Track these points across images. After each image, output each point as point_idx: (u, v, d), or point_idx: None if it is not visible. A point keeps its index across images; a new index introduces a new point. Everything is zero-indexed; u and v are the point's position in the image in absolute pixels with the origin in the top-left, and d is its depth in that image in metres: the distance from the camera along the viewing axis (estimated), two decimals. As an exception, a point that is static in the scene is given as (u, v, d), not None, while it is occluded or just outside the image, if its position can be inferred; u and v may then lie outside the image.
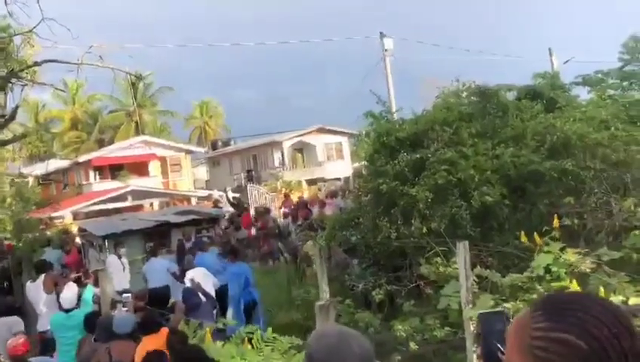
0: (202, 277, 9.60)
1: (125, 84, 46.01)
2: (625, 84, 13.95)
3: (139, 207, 26.60)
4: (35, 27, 9.24)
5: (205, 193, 30.53)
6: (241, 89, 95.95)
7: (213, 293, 9.52)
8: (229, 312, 9.10)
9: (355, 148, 46.46)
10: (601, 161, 7.85)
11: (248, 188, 27.28)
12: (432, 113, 8.50)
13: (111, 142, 42.66)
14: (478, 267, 6.63)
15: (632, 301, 5.31)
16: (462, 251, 6.28)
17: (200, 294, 8.05)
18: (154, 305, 7.09)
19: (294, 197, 25.77)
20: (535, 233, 6.12)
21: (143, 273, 11.21)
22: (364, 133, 8.84)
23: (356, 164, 40.88)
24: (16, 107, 10.32)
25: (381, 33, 23.99)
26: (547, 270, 6.28)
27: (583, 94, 13.39)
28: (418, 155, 7.86)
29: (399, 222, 7.77)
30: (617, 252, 6.29)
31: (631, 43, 14.63)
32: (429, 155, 7.91)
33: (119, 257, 11.13)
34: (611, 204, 7.42)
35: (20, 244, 12.10)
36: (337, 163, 38.37)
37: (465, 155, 7.76)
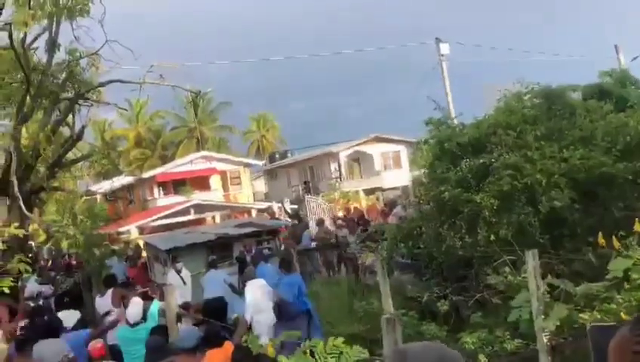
0: (259, 289, 9.65)
1: (186, 101, 47.62)
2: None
3: (201, 221, 27.14)
4: (99, 49, 9.65)
5: (264, 205, 30.83)
6: (296, 101, 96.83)
7: (270, 305, 9.56)
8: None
9: (412, 157, 46.02)
10: (680, 161, 7.37)
11: (306, 199, 27.31)
12: (495, 117, 8.23)
13: (173, 158, 43.94)
14: (549, 276, 6.33)
15: None
16: (531, 260, 6.01)
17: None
18: (209, 317, 7.17)
19: (352, 208, 25.66)
20: (613, 236, 5.77)
21: (202, 285, 11.36)
22: (423, 140, 8.64)
23: (415, 173, 40.38)
24: (83, 127, 10.74)
25: (437, 38, 23.68)
26: (625, 277, 5.93)
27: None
28: (481, 161, 7.60)
29: (463, 231, 7.53)
30: None
31: None
32: (493, 160, 7.64)
33: (178, 271, 11.31)
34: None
35: (90, 260, 12.54)
36: (395, 172, 37.97)
37: (530, 159, 7.45)
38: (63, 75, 10.20)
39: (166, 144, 50.92)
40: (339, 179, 35.85)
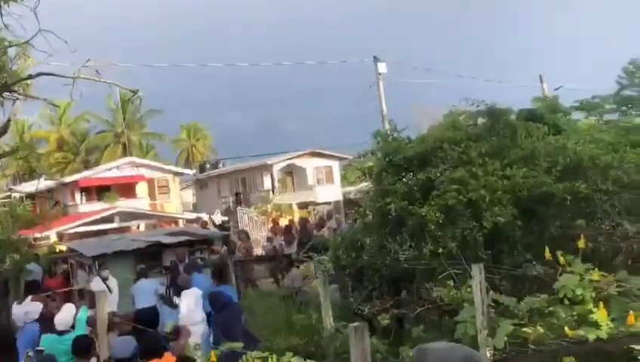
0: (194, 299, 9.29)
1: (114, 105, 45.95)
2: (623, 108, 14.01)
3: (126, 229, 26.02)
4: (31, 39, 8.99)
5: (193, 216, 30.04)
6: (231, 112, 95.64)
7: (203, 316, 9.23)
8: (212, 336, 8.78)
9: (344, 173, 46.41)
10: (612, 184, 7.69)
11: (238, 211, 26.88)
12: (440, 132, 8.31)
13: (97, 163, 42.16)
14: (492, 291, 6.38)
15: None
16: (477, 274, 6.02)
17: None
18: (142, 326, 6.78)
19: (285, 221, 25.44)
20: (559, 253, 5.88)
21: (132, 294, 10.86)
22: (370, 152, 8.61)
23: (346, 188, 40.77)
24: (8, 120, 9.96)
25: (375, 57, 24.05)
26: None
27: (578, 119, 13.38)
28: (427, 175, 7.63)
29: (408, 244, 7.51)
30: (637, 277, 6.08)
31: (630, 68, 14.71)
32: (438, 175, 7.69)
33: (104, 279, 10.75)
34: (625, 226, 7.24)
35: (9, 264, 11.60)
36: (327, 187, 38.16)
37: (475, 175, 7.56)
38: (-13, 64, 9.43)
39: (90, 148, 48.79)
40: (272, 192, 35.55)
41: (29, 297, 7.78)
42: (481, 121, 9.11)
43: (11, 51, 9.64)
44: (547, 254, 5.88)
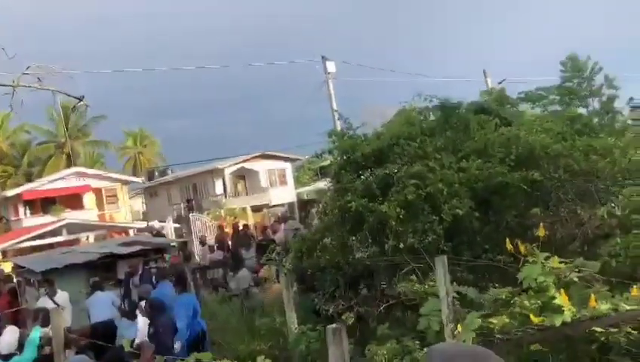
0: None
1: (55, 114, 44.32)
2: (565, 99, 14.50)
3: (74, 242, 25.14)
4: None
5: (144, 224, 29.32)
6: (177, 118, 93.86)
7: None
8: (177, 344, 8.54)
9: (297, 174, 46.34)
10: (563, 171, 7.89)
11: (190, 217, 26.37)
12: (395, 128, 8.34)
13: (40, 175, 40.58)
14: (455, 283, 6.42)
15: (622, 308, 5.21)
16: (440, 266, 6.04)
17: None
18: (99, 341, 6.53)
19: (240, 225, 25.12)
20: (520, 242, 5.97)
21: (86, 308, 10.49)
22: (327, 151, 8.55)
23: (300, 189, 40.71)
24: None
25: (323, 57, 24.07)
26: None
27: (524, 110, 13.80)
28: (385, 171, 7.63)
29: (370, 241, 7.49)
30: (594, 261, 6.24)
31: (569, 62, 15.23)
32: (396, 171, 7.70)
33: (53, 295, 10.33)
34: (579, 213, 7.44)
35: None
36: (281, 189, 38.01)
37: (432, 169, 7.60)
38: None
39: (32, 160, 46.93)
40: (224, 197, 35.09)
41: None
42: (433, 116, 9.20)
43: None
44: (509, 246, 5.94)
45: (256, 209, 33.44)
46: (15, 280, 13.27)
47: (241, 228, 18.78)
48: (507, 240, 6.05)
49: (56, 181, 31.40)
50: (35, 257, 13.75)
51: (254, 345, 8.74)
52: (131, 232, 28.63)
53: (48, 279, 10.62)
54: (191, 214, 27.03)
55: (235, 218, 27.71)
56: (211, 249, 15.96)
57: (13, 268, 14.32)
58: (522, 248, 5.95)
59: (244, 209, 30.65)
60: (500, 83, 26.91)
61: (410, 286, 6.81)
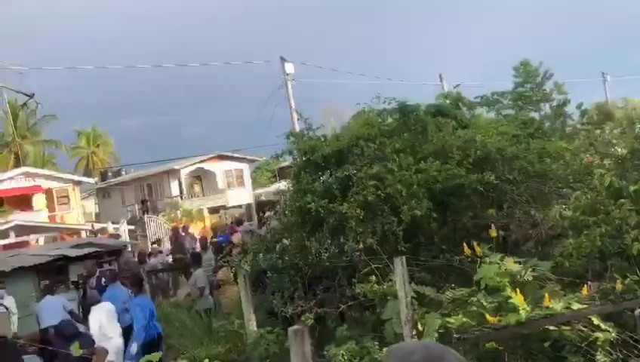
0: (105, 314, 8.82)
1: (2, 112, 42.81)
2: (519, 103, 14.89)
3: (23, 244, 24.23)
4: None
5: (97, 226, 28.56)
6: (131, 117, 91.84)
7: (118, 330, 8.79)
8: (134, 346, 8.37)
9: (255, 175, 46.05)
10: (518, 173, 8.07)
11: (145, 218, 25.87)
12: (355, 129, 8.37)
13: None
14: (413, 284, 6.48)
15: (574, 306, 5.36)
16: (399, 266, 6.07)
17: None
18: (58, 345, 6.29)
19: (198, 227, 24.81)
20: (475, 243, 6.07)
21: (36, 313, 10.12)
22: (286, 152, 8.51)
23: (257, 191, 40.45)
24: None
25: (281, 57, 23.97)
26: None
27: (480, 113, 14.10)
28: (345, 172, 7.64)
29: (329, 241, 7.48)
30: (547, 261, 6.41)
31: (522, 67, 15.63)
32: (355, 171, 7.73)
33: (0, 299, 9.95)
34: (532, 214, 7.62)
35: None
36: (238, 190, 37.69)
37: (390, 170, 7.66)
38: None
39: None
40: (180, 198, 34.54)
41: None
42: (392, 118, 9.27)
43: None
44: (466, 250, 6.04)
45: (213, 210, 33.07)
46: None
47: (181, 230, 18.53)
48: (464, 241, 6.16)
49: (3, 181, 30.24)
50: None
51: (212, 349, 8.61)
52: (83, 234, 27.84)
53: (-1, 282, 10.24)
54: (146, 216, 26.50)
55: (192, 219, 27.35)
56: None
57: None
58: (478, 249, 6.06)
59: (200, 210, 30.25)
60: (455, 87, 27.54)
61: (369, 287, 6.83)
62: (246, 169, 39.46)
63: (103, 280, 10.54)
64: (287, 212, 8.01)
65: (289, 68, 23.88)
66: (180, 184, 36.05)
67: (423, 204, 7.42)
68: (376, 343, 6.49)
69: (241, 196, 37.49)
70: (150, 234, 26.76)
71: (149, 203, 35.07)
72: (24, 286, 10.56)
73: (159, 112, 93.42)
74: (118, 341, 8.46)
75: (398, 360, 1.41)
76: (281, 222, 8.35)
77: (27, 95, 9.36)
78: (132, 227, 28.96)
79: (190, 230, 21.96)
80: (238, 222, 18.71)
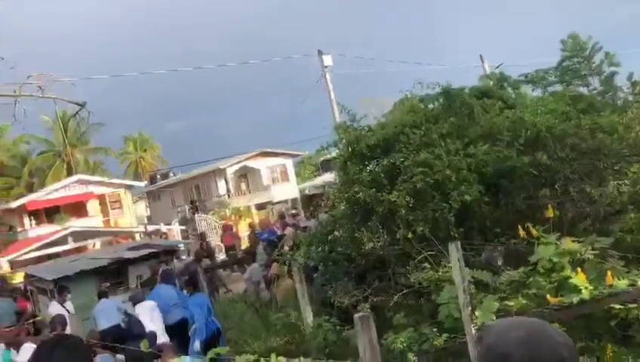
0: (149, 312, 9.09)
1: (52, 123, 44.30)
2: (566, 79, 14.46)
3: (81, 249, 25.18)
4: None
5: (150, 228, 29.34)
6: (176, 120, 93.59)
7: (160, 326, 9.04)
8: (196, 344, 8.61)
9: (298, 169, 46.30)
10: (570, 151, 7.87)
11: (196, 218, 26.40)
12: (399, 117, 8.32)
13: (41, 185, 40.56)
14: (468, 268, 6.42)
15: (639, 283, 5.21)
16: (454, 252, 6.01)
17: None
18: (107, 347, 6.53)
19: (244, 223, 25.14)
20: (531, 225, 5.97)
21: (93, 316, 10.46)
22: (332, 143, 8.54)
23: (301, 185, 40.70)
24: None
25: (319, 50, 23.97)
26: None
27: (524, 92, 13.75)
28: (392, 160, 7.62)
29: (381, 231, 7.48)
30: (607, 238, 6.24)
31: (569, 41, 15.16)
32: (402, 159, 7.69)
33: (62, 302, 10.35)
34: (588, 191, 7.43)
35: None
36: (283, 185, 38.00)
37: (438, 156, 7.59)
38: None
39: (33, 170, 46.89)
40: (227, 196, 35.09)
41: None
42: (436, 103, 9.18)
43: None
44: (521, 232, 5.95)
45: (259, 207, 33.49)
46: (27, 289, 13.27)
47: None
48: (518, 224, 6.06)
49: (59, 190, 31.40)
50: (46, 265, 13.78)
51: (270, 341, 8.77)
52: (137, 236, 28.66)
53: (62, 286, 10.65)
54: (197, 215, 27.05)
55: (240, 216, 27.75)
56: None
57: (24, 277, 14.34)
58: (534, 230, 5.96)
59: (248, 207, 30.66)
60: (497, 67, 26.94)
61: (423, 275, 6.81)
62: (289, 164, 39.72)
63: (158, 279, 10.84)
64: (335, 203, 8.04)
65: (327, 60, 23.86)
66: (227, 183, 36.61)
67: (474, 188, 7.33)
68: (435, 329, 6.49)
69: (287, 191, 37.81)
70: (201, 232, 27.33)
71: (197, 203, 35.81)
72: (86, 290, 10.94)
73: (202, 113, 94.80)
74: (161, 338, 8.70)
75: (498, 336, 1.41)
76: (331, 214, 8.39)
77: (79, 105, 9.69)
78: (183, 227, 29.66)
79: (235, 228, 22.36)
80: (281, 217, 18.84)
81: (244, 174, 38.37)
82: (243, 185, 38.40)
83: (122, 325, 9.92)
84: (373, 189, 7.48)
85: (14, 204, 29.98)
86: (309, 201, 37.44)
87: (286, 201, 37.04)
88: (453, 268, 6.06)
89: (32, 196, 31.83)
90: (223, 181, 37.13)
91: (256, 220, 28.67)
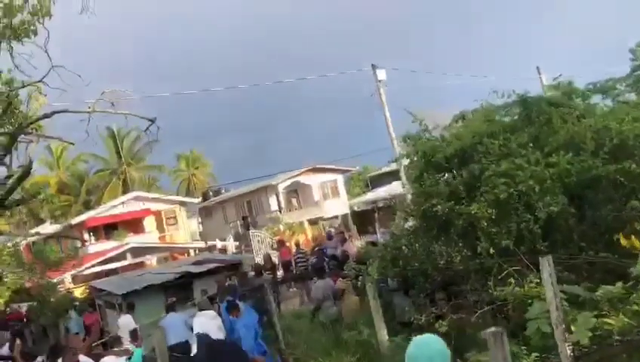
0: (208, 321, 9.03)
1: (109, 140, 45.67)
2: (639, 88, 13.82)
3: (139, 265, 25.65)
4: (44, 77, 8.70)
5: (205, 244, 29.67)
6: (227, 138, 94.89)
7: (220, 336, 8.95)
8: None
9: (349, 186, 46.13)
10: (661, 160, 7.43)
11: (250, 234, 26.53)
12: (476, 126, 8.06)
13: (98, 203, 41.73)
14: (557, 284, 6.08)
15: None
16: (546, 267, 5.72)
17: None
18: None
19: (300, 239, 25.06)
20: (633, 237, 5.61)
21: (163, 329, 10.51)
22: (405, 155, 8.35)
23: (353, 200, 40.45)
24: (31, 162, 9.60)
25: (373, 65, 23.86)
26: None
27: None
28: (471, 171, 7.36)
29: (460, 244, 7.21)
30: None
31: (639, 49, 14.56)
32: (480, 170, 7.42)
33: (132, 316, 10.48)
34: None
35: (44, 310, 11.15)
36: (333, 201, 37.88)
37: (520, 166, 7.29)
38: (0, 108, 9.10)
39: (90, 188, 48.40)
40: (279, 212, 35.21)
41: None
42: (509, 113, 8.89)
43: (22, 92, 9.35)
44: (623, 241, 5.60)
45: (311, 222, 33.45)
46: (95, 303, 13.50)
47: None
48: (605, 237, 5.70)
49: (117, 206, 32.19)
50: (112, 280, 14.02)
51: (341, 359, 8.55)
52: (192, 252, 29.00)
53: (130, 301, 10.79)
54: (250, 231, 27.18)
55: (294, 232, 27.74)
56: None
57: (86, 292, 14.61)
58: (637, 242, 5.60)
59: (301, 223, 30.64)
60: (555, 78, 26.18)
61: (509, 290, 6.50)
62: (340, 179, 39.61)
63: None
64: (410, 216, 7.82)
65: (381, 74, 23.71)
66: (278, 199, 36.75)
67: (559, 199, 7.00)
68: (524, 347, 6.16)
69: (337, 207, 37.67)
70: (255, 248, 27.42)
71: (249, 219, 36.06)
72: (155, 303, 11.01)
73: (253, 129, 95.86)
74: None
75: None
76: (405, 227, 8.17)
77: (150, 120, 9.84)
78: (237, 243, 29.86)
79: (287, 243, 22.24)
80: (329, 237, 18.13)
81: (295, 190, 38.45)
82: (294, 201, 38.47)
83: (189, 341, 9.92)
84: (452, 201, 7.23)
85: (75, 221, 30.86)
86: (359, 217, 37.20)
87: (336, 217, 36.88)
88: (545, 284, 5.76)
89: (92, 213, 32.71)
90: (274, 197, 37.30)
91: (309, 236, 28.63)
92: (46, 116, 9.35)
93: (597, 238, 7.31)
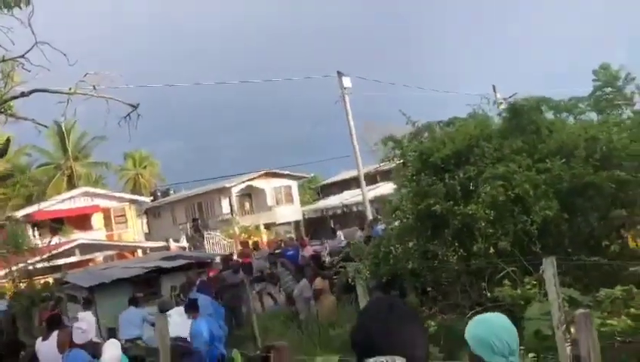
0: (179, 318, 8.67)
1: (53, 133, 43.83)
2: (601, 107, 14.46)
3: (88, 261, 24.64)
4: (26, 52, 8.18)
5: (157, 244, 28.88)
6: (169, 141, 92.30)
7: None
8: None
9: (302, 192, 46.02)
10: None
11: (206, 235, 26.02)
12: (469, 130, 8.18)
13: (40, 197, 39.89)
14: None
15: None
16: (549, 267, 5.82)
17: None
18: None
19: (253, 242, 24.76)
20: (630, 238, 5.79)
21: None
22: (394, 156, 8.38)
23: (305, 208, 40.39)
24: (8, 141, 8.98)
25: (339, 72, 23.96)
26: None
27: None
28: (467, 173, 7.44)
29: (456, 245, 7.27)
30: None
31: (601, 71, 15.22)
32: (479, 172, 7.53)
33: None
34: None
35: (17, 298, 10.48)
36: (287, 207, 37.72)
37: (515, 170, 7.44)
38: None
39: (32, 182, 46.24)
40: (231, 215, 34.71)
41: (55, 332, 6.89)
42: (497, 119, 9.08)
43: (-2, 66, 8.77)
44: (631, 243, 5.77)
45: (265, 227, 33.17)
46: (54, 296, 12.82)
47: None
48: (591, 243, 5.86)
49: (64, 201, 30.90)
50: (77, 273, 13.37)
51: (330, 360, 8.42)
52: (140, 252, 28.14)
53: (86, 297, 10.34)
54: (205, 232, 26.66)
55: (249, 236, 27.39)
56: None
57: (55, 284, 13.90)
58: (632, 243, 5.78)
59: (257, 227, 30.30)
60: (510, 97, 27.07)
61: (506, 291, 6.58)
62: (294, 186, 39.50)
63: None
64: (405, 216, 7.82)
65: (346, 82, 23.84)
66: (231, 202, 36.24)
67: (553, 204, 7.17)
68: (522, 347, 6.24)
69: (289, 213, 37.53)
70: (208, 250, 26.91)
71: (200, 221, 35.36)
72: (120, 299, 10.57)
73: (205, 133, 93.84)
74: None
75: None
76: (398, 226, 8.17)
77: (133, 106, 9.42)
78: (187, 244, 29.21)
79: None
80: (286, 243, 17.94)
81: (249, 194, 38.05)
82: (247, 205, 38.05)
83: (143, 338, 9.45)
84: (450, 201, 7.29)
85: (20, 214, 29.37)
86: (311, 224, 37.17)
87: (289, 223, 36.72)
88: (548, 284, 5.85)
89: (37, 207, 31.23)
90: (227, 200, 36.76)
91: (265, 239, 28.36)
92: (23, 94, 8.79)
93: (584, 244, 7.54)
